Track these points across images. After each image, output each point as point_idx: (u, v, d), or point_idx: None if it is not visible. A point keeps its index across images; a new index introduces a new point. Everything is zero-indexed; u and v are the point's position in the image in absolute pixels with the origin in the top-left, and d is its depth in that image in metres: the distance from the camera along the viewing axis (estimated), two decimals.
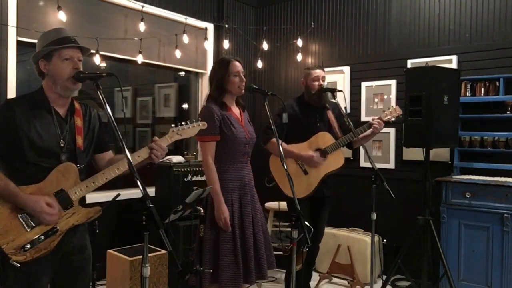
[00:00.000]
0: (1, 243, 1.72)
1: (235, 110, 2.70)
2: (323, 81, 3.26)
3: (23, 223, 1.77)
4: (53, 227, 1.81)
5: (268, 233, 2.80)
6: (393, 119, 3.23)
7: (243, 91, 2.64)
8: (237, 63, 2.64)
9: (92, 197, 3.86)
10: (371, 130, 3.17)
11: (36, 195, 1.79)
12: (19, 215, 1.77)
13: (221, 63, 2.67)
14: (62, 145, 1.87)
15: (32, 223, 1.79)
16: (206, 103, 2.66)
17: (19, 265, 1.73)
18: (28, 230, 1.77)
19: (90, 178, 1.89)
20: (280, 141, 2.42)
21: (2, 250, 1.72)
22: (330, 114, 3.29)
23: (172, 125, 2.05)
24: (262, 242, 2.62)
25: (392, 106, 3.28)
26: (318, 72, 3.25)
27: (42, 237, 1.78)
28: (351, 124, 3.05)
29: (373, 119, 3.18)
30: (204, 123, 2.14)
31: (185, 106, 5.14)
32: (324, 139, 3.18)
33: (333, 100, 3.27)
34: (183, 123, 2.06)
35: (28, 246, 1.75)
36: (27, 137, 1.80)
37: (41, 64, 1.88)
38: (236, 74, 2.61)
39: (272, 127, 2.44)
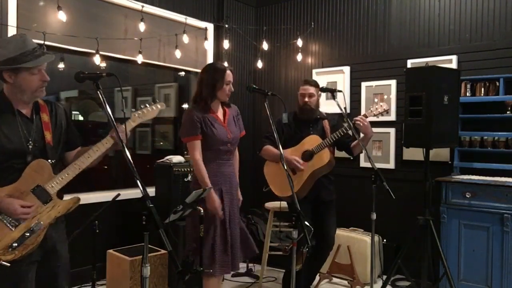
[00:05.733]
0: None
1: (219, 112, 2.85)
2: (311, 97, 3.27)
3: (6, 223, 1.82)
4: (37, 222, 1.87)
5: (244, 227, 2.95)
6: (380, 115, 3.20)
7: (227, 98, 2.83)
8: (230, 73, 2.80)
9: (93, 197, 3.88)
10: (362, 135, 3.13)
11: (11, 197, 1.83)
12: (1, 216, 1.81)
13: (217, 70, 2.77)
14: (29, 144, 1.90)
15: (15, 222, 1.83)
16: (190, 106, 2.84)
17: (9, 264, 1.77)
18: (13, 229, 1.82)
19: (63, 170, 1.95)
20: (278, 141, 2.45)
21: None
22: (325, 123, 3.33)
23: (133, 109, 2.14)
24: (237, 236, 2.80)
25: (380, 104, 3.20)
26: (305, 88, 3.29)
27: (28, 234, 1.83)
28: (351, 123, 3.05)
29: (357, 116, 3.15)
30: (162, 104, 2.22)
31: (185, 106, 5.14)
32: (312, 141, 3.22)
33: (329, 113, 3.34)
34: (142, 106, 2.15)
35: (15, 244, 1.80)
36: None
37: (5, 74, 1.85)
38: (228, 83, 2.77)
39: (272, 127, 2.47)
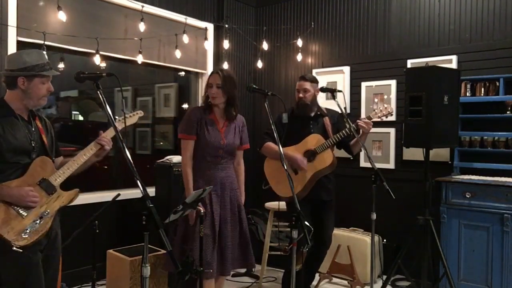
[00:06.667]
0: (2, 232, 1.94)
1: (220, 116, 2.86)
2: (306, 92, 3.25)
3: (18, 211, 2.01)
4: (45, 210, 2.08)
5: (247, 234, 2.91)
6: (383, 118, 3.19)
7: (215, 101, 2.80)
8: (214, 75, 2.80)
9: (93, 197, 3.88)
10: (361, 132, 3.10)
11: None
12: (12, 206, 2.00)
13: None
14: (32, 143, 2.12)
15: (26, 210, 2.03)
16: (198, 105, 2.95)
17: (21, 250, 1.94)
18: (24, 216, 2.02)
19: (64, 165, 2.18)
20: (278, 141, 2.43)
21: (4, 238, 1.93)
22: (326, 120, 3.31)
23: (116, 117, 2.36)
24: (229, 241, 2.78)
25: (385, 106, 3.20)
26: (300, 83, 3.29)
27: (37, 221, 2.05)
28: (351, 124, 3.04)
29: (360, 118, 3.14)
30: (141, 112, 2.54)
31: (185, 106, 5.14)
32: (314, 140, 3.20)
33: (330, 108, 3.31)
34: (125, 113, 2.41)
35: (28, 230, 2.00)
36: (5, 140, 2.03)
37: (19, 80, 2.08)
38: (209, 85, 2.80)
39: (272, 126, 2.46)
